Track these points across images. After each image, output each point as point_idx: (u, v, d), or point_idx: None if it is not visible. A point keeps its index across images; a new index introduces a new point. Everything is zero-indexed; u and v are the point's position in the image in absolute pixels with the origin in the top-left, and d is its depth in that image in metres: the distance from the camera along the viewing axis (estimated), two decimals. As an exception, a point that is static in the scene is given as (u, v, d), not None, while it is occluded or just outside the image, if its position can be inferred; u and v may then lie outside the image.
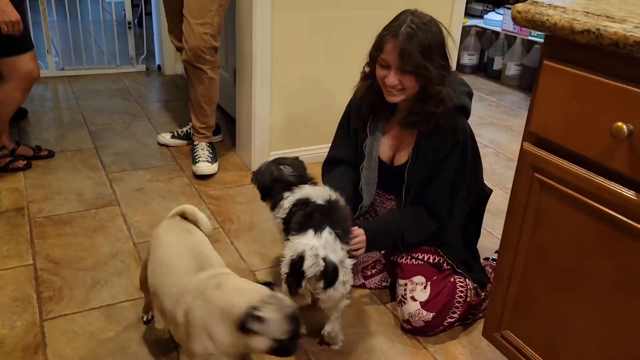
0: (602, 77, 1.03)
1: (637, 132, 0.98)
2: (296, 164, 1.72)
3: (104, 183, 2.46)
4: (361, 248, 1.61)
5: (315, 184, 1.70)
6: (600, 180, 1.06)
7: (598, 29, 0.98)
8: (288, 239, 1.53)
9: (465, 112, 1.66)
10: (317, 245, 1.44)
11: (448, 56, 1.59)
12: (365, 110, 1.71)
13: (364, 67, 1.68)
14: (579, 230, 1.13)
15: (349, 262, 1.51)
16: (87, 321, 1.65)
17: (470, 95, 1.71)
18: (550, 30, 1.08)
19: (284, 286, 1.47)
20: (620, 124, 0.98)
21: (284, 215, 1.60)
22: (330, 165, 1.85)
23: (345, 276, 1.48)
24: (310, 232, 1.47)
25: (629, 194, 1.01)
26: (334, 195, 1.59)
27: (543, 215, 1.21)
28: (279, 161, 1.72)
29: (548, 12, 1.08)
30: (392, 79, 1.54)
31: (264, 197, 1.72)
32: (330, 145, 1.87)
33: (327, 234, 1.47)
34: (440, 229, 1.71)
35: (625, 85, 0.99)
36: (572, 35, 1.03)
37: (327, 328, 1.59)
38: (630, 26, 0.95)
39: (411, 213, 1.70)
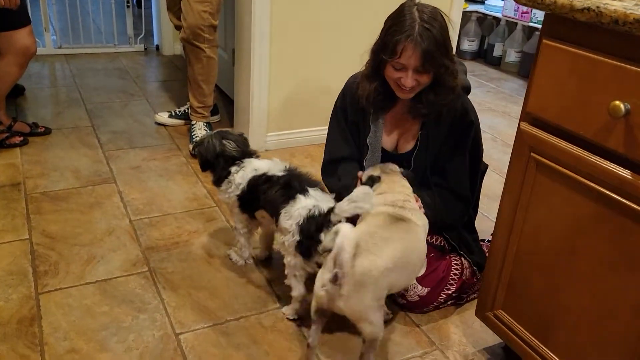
0: (601, 56, 1.02)
1: (634, 110, 0.98)
2: (239, 140, 1.75)
3: (100, 161, 2.46)
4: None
5: (258, 157, 1.74)
6: (597, 159, 1.07)
7: (598, 7, 0.98)
8: (245, 214, 1.66)
9: (468, 91, 1.68)
10: (314, 203, 1.50)
11: (451, 45, 1.56)
12: (367, 106, 1.66)
13: (365, 65, 1.61)
14: (574, 210, 1.14)
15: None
16: (82, 295, 1.65)
17: (465, 72, 1.73)
18: (550, 8, 1.07)
19: (297, 257, 1.52)
20: (617, 102, 0.98)
21: (239, 192, 1.66)
22: (331, 166, 1.79)
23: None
24: (300, 197, 1.53)
25: (625, 173, 1.02)
26: (286, 164, 1.66)
27: (538, 195, 1.22)
28: (222, 135, 1.74)
29: (549, -10, 1.08)
30: (409, 80, 1.49)
31: (204, 169, 1.76)
32: (325, 143, 1.82)
33: (314, 191, 1.55)
34: (468, 210, 1.72)
35: (623, 64, 0.99)
36: (572, 13, 1.03)
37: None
38: (630, 4, 0.95)
39: (440, 198, 1.66)
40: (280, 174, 1.61)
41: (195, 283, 1.74)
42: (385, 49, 1.49)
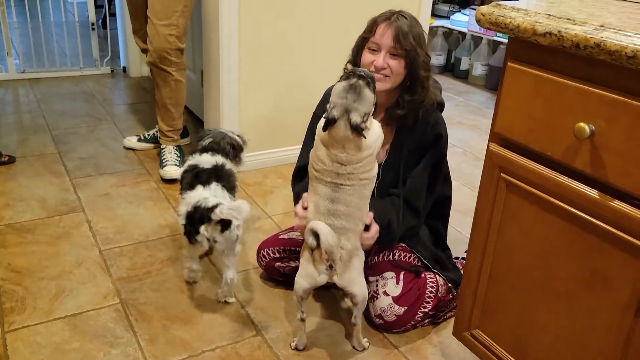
0: (564, 79, 1.04)
1: (599, 132, 0.99)
2: (217, 136, 1.96)
3: (67, 189, 2.40)
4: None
5: (211, 152, 1.89)
6: (565, 180, 1.08)
7: (559, 31, 1.00)
8: (181, 196, 1.80)
9: (442, 108, 1.72)
10: (208, 196, 1.68)
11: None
12: None
13: (346, 65, 1.68)
14: (544, 230, 1.15)
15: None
16: (51, 332, 1.60)
17: (440, 90, 1.77)
18: (514, 32, 1.09)
19: (184, 238, 1.70)
20: (582, 124, 1.00)
21: (179, 178, 1.90)
22: (299, 172, 1.80)
23: (237, 220, 1.60)
24: (199, 187, 1.73)
25: (592, 193, 1.03)
26: (220, 161, 1.85)
27: (510, 215, 1.23)
28: (222, 134, 1.99)
29: (511, 15, 1.10)
30: (380, 60, 1.57)
31: None
32: (300, 150, 1.84)
33: (215, 186, 1.74)
34: (417, 223, 1.73)
35: (586, 86, 1.00)
36: (535, 37, 1.05)
37: (228, 274, 1.71)
38: (590, 28, 0.97)
39: (391, 205, 1.67)
40: (206, 166, 1.81)
41: (169, 313, 1.71)
42: (366, 29, 1.63)
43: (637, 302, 1.00)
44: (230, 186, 1.81)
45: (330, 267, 1.46)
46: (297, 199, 1.69)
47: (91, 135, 2.96)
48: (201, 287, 1.83)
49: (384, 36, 1.57)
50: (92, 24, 3.86)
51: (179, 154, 2.60)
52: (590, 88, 1.00)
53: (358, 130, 1.38)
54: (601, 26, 0.96)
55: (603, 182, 1.01)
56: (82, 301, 1.73)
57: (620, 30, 0.94)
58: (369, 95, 1.41)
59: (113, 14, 4.34)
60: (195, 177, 1.77)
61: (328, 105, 1.42)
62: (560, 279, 1.14)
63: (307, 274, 1.50)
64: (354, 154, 1.42)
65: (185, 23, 2.41)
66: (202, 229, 1.62)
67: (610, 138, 0.98)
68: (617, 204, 0.99)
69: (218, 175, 1.79)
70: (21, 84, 3.68)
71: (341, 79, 1.45)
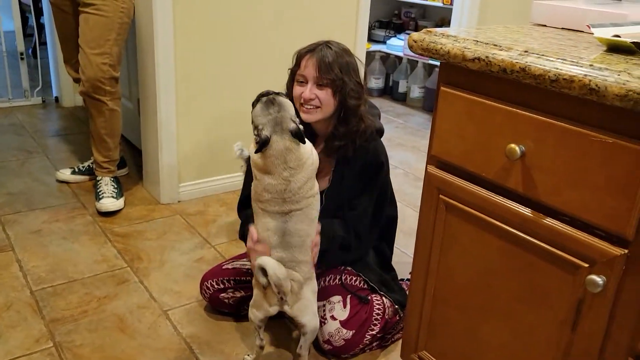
0: (494, 102, 1.08)
1: (529, 152, 1.03)
2: None
3: (-5, 227, 2.27)
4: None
5: None
6: (500, 199, 1.11)
7: (487, 57, 1.03)
8: None
9: (382, 134, 1.73)
10: None
11: (362, 83, 1.65)
12: None
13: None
14: (483, 249, 1.17)
15: None
16: (-23, 383, 1.49)
17: (379, 116, 1.79)
18: (444, 57, 1.12)
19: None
20: (513, 145, 1.03)
21: None
22: (245, 200, 1.74)
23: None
24: None
25: (526, 211, 1.06)
26: None
27: (450, 235, 1.25)
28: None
29: (441, 41, 1.13)
30: (307, 92, 1.58)
31: None
32: (243, 180, 1.81)
33: None
34: (363, 249, 1.74)
35: (515, 109, 1.04)
36: (465, 63, 1.08)
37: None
38: (515, 54, 1.01)
39: (339, 224, 1.67)
40: None
41: (108, 354, 1.62)
42: (294, 62, 1.65)
43: (573, 317, 1.03)
44: None
45: (282, 299, 1.46)
46: (244, 224, 1.67)
47: (21, 169, 2.82)
48: (142, 326, 1.75)
49: (308, 67, 1.58)
50: (22, 54, 3.71)
51: (116, 186, 2.52)
52: (518, 110, 1.03)
53: (299, 135, 1.41)
54: (525, 51, 1.01)
55: (535, 200, 1.04)
56: (11, 346, 1.62)
57: (543, 55, 0.98)
58: (286, 101, 1.46)
59: (44, 43, 4.19)
60: None
61: (254, 131, 1.43)
62: (500, 297, 1.16)
63: (260, 307, 1.50)
64: (297, 166, 1.42)
65: (119, 51, 2.35)
66: None
67: (540, 158, 1.01)
68: (549, 221, 1.03)
69: None
70: (-57, 117, 3.48)
71: (255, 105, 1.47)
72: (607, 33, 1.06)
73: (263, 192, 1.44)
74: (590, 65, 0.91)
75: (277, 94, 1.48)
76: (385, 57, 4.77)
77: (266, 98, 1.45)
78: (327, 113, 1.62)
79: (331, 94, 1.59)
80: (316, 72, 1.57)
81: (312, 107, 1.60)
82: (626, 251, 0.93)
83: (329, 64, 1.57)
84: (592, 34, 1.10)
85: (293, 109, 1.47)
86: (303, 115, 1.61)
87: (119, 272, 2.02)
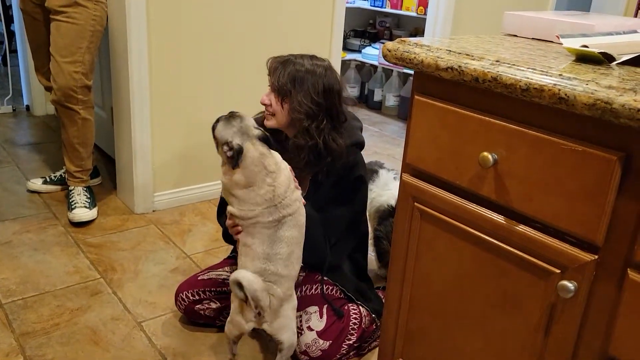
0: (467, 110, 1.09)
1: (501, 160, 1.04)
2: None
3: (-37, 238, 2.21)
4: None
5: None
6: (473, 207, 1.12)
7: (460, 66, 1.05)
8: None
9: (361, 146, 1.73)
10: None
11: (337, 105, 1.62)
12: None
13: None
14: (457, 256, 1.18)
15: None
16: (-58, 401, 1.44)
17: (361, 129, 1.79)
18: (418, 67, 1.13)
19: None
20: (486, 153, 1.04)
21: None
22: (223, 205, 1.77)
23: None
24: None
25: (499, 218, 1.08)
26: None
27: (425, 242, 1.26)
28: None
29: (415, 51, 1.14)
30: (264, 96, 1.62)
31: None
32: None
33: None
34: (323, 253, 1.70)
35: (487, 118, 1.06)
36: (438, 72, 1.09)
37: None
38: (487, 63, 1.03)
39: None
40: None
41: (80, 368, 1.59)
42: None
43: (546, 322, 1.04)
44: None
45: (259, 314, 1.44)
46: (224, 224, 1.66)
47: (-10, 179, 2.76)
48: (116, 338, 1.72)
49: (269, 74, 1.62)
50: (-9, 61, 3.65)
51: (89, 195, 2.47)
52: (491, 119, 1.05)
53: (265, 139, 1.44)
54: (497, 61, 1.02)
55: (508, 207, 1.06)
56: (-21, 363, 1.58)
57: (514, 64, 1.00)
58: (244, 114, 1.49)
59: (14, 51, 4.12)
60: None
61: (225, 147, 1.43)
62: (474, 303, 1.17)
63: (236, 323, 1.49)
64: (277, 169, 1.43)
65: (91, 59, 2.32)
66: None
67: (512, 166, 1.03)
68: (521, 228, 1.04)
69: None
70: None
71: (215, 126, 1.51)
72: (576, 43, 1.09)
73: (252, 206, 1.43)
74: (560, 74, 0.94)
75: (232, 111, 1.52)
76: (361, 66, 4.80)
77: (224, 116, 1.48)
78: (280, 121, 1.63)
79: (279, 101, 1.60)
80: (270, 77, 1.61)
81: (268, 113, 1.63)
82: (596, 257, 0.95)
83: (278, 70, 1.58)
84: (562, 44, 1.12)
85: (253, 120, 1.50)
86: (265, 122, 1.65)
87: (92, 284, 1.99)
